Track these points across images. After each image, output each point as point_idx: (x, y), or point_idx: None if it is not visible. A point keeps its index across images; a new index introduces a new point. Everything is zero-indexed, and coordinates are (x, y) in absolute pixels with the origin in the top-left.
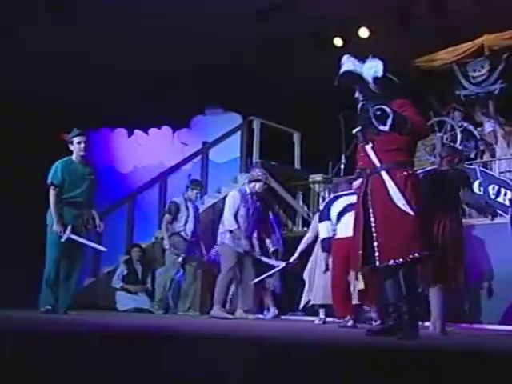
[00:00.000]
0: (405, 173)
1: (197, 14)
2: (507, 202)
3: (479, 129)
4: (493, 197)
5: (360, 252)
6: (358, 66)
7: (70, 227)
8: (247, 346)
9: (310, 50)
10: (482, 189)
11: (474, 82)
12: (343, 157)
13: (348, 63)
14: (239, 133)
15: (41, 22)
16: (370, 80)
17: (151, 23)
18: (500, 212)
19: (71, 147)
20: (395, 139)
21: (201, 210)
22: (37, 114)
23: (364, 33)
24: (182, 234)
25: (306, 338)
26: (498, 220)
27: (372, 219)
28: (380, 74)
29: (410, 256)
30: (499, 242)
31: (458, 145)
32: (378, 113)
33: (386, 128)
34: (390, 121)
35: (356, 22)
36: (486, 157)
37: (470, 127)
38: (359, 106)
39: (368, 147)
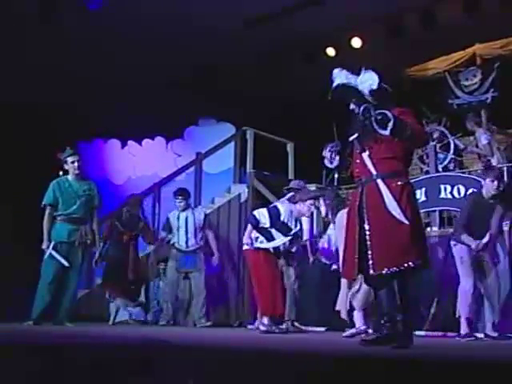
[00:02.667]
0: (400, 182)
1: (188, 26)
2: None
3: (471, 138)
4: None
5: (356, 260)
6: (351, 78)
7: (52, 244)
8: None
9: (303, 60)
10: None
11: (467, 90)
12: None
13: (341, 76)
14: (232, 143)
15: (31, 35)
16: (366, 92)
17: (143, 35)
18: None
19: (66, 166)
20: (392, 147)
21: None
22: (29, 127)
23: (356, 43)
24: (176, 245)
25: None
26: None
27: (367, 227)
28: (375, 86)
29: (405, 265)
30: None
31: (451, 153)
32: (379, 117)
33: (387, 132)
34: (390, 125)
35: (348, 32)
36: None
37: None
38: (360, 109)
39: (365, 155)
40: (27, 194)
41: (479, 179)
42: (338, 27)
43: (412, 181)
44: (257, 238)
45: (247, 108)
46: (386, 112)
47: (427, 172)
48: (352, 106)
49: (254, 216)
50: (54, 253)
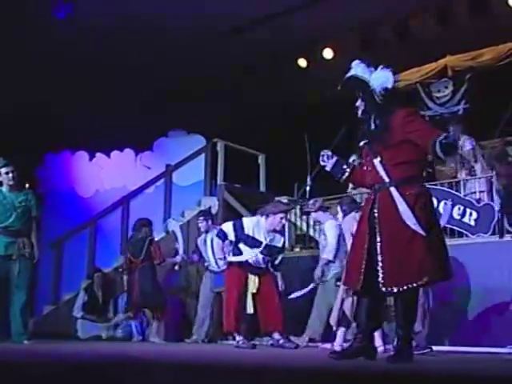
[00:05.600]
0: (415, 190)
1: (159, 37)
2: (472, 223)
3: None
4: (458, 217)
5: (362, 271)
6: (366, 73)
7: None
8: None
9: (273, 72)
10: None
11: (439, 102)
12: (309, 178)
13: (357, 68)
14: (203, 155)
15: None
16: (377, 89)
17: (112, 47)
18: (466, 232)
19: None
20: (404, 151)
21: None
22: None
23: (328, 53)
24: (210, 267)
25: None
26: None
27: (378, 239)
28: (390, 84)
29: (419, 283)
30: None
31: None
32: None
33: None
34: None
35: (321, 43)
36: (460, 176)
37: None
38: (359, 114)
39: (376, 161)
40: None
41: (450, 191)
42: (311, 38)
43: None
44: (228, 252)
45: (217, 119)
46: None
47: None
48: (358, 103)
49: (221, 229)
50: None
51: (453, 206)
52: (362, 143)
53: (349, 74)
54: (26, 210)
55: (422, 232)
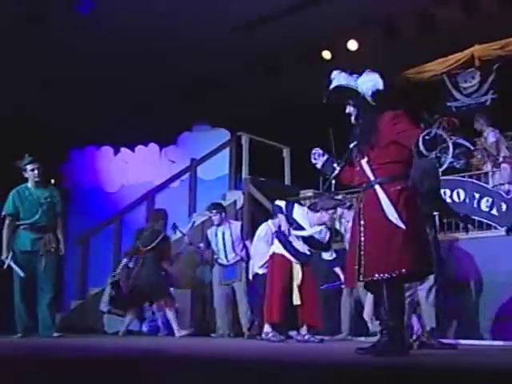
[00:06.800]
0: (398, 187)
1: (182, 32)
2: (500, 214)
3: (482, 139)
4: (486, 209)
5: (356, 268)
6: (351, 80)
7: (10, 254)
8: None
9: (298, 65)
10: (466, 199)
11: (465, 92)
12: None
13: (339, 78)
14: (228, 149)
15: (19, 38)
16: (368, 93)
17: (135, 42)
18: (494, 224)
19: (25, 174)
20: (389, 152)
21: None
22: (18, 134)
23: (353, 45)
24: (219, 260)
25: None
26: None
27: (362, 234)
28: (381, 86)
29: (396, 272)
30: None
31: (450, 157)
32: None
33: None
34: None
35: (345, 34)
36: (487, 168)
37: (460, 140)
38: (352, 120)
39: (363, 161)
40: None
41: (479, 183)
42: (335, 29)
43: None
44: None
45: (242, 113)
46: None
47: None
48: (348, 110)
49: (277, 205)
50: (12, 264)
51: (481, 198)
52: (351, 145)
53: (332, 85)
54: (51, 206)
55: (402, 225)
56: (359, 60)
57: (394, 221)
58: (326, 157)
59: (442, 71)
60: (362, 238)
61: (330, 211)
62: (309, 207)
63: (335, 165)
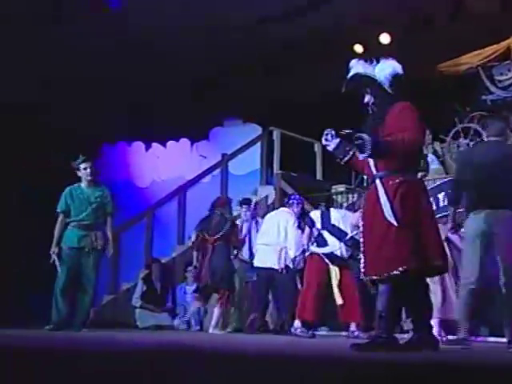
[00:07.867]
0: (397, 180)
1: (213, 25)
2: None
3: None
4: None
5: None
6: (368, 68)
7: (56, 250)
8: None
9: (330, 58)
10: None
11: (501, 86)
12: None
13: (357, 66)
14: (259, 144)
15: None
16: (385, 80)
17: (166, 35)
18: None
19: (79, 173)
20: None
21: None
22: (52, 131)
23: (385, 39)
24: (240, 256)
25: None
26: None
27: (361, 229)
28: (400, 71)
29: (395, 272)
30: None
31: None
32: (358, 142)
33: (366, 156)
34: (368, 149)
35: (376, 27)
36: None
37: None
38: (369, 109)
39: None
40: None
41: None
42: (366, 23)
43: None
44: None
45: (273, 108)
46: (364, 136)
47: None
48: (367, 99)
49: (310, 217)
50: (55, 258)
51: None
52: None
53: (351, 74)
54: (100, 206)
55: (394, 223)
56: (391, 54)
57: (388, 217)
58: (338, 139)
59: (477, 64)
60: (361, 234)
61: None
62: (347, 208)
63: (348, 149)
